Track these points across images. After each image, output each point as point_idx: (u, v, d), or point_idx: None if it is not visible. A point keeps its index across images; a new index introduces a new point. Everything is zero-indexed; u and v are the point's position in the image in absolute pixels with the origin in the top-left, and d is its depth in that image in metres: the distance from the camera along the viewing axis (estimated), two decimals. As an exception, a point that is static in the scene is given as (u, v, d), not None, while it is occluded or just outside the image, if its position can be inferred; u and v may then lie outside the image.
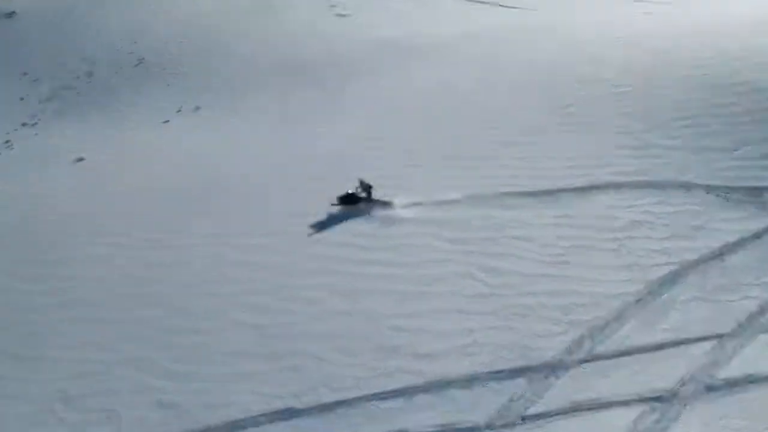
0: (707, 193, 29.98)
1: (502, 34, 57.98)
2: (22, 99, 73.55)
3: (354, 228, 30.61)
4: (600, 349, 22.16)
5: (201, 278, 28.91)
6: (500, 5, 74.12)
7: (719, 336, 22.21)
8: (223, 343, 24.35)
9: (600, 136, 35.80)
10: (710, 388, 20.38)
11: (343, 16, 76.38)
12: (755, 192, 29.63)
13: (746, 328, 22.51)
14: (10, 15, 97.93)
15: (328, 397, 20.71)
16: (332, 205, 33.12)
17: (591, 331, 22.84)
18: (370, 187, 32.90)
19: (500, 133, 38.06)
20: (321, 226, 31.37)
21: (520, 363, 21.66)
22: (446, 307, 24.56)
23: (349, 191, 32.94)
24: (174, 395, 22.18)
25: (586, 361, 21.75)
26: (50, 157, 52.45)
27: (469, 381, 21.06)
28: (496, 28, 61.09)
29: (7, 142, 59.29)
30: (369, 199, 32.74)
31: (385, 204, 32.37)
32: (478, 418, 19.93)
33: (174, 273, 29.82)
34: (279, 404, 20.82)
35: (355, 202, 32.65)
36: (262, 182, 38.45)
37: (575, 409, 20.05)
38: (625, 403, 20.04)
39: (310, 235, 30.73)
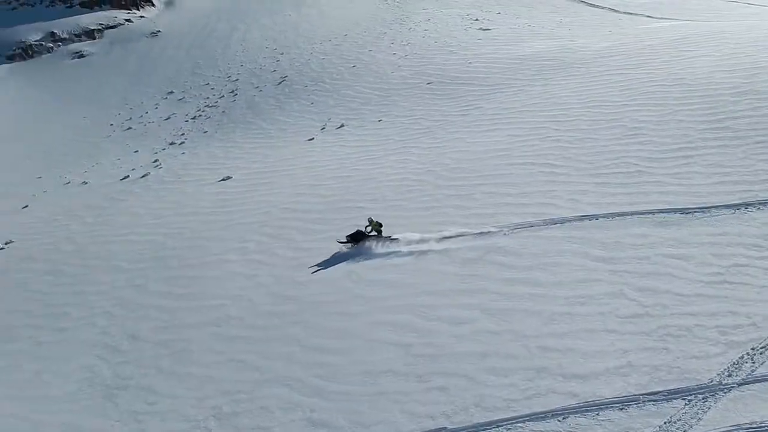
0: None
1: (650, 45, 56.91)
2: (167, 119, 76.03)
3: (496, 246, 30.35)
4: (761, 371, 21.32)
5: (340, 297, 29.19)
6: (649, 16, 72.88)
7: None
8: (369, 362, 24.43)
9: (756, 151, 34.63)
10: None
11: (486, 30, 76.39)
12: None
13: None
14: (155, 34, 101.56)
15: (480, 418, 20.42)
16: (339, 242, 34.24)
17: (751, 352, 22.00)
18: (380, 225, 33.85)
19: (650, 148, 37.26)
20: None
21: (677, 385, 20.96)
22: (597, 327, 23.98)
23: (359, 229, 34.06)
24: (324, 413, 22.31)
25: (746, 383, 20.94)
26: (196, 176, 53.91)
27: (625, 403, 20.49)
28: (644, 38, 60.06)
29: (155, 161, 61.27)
30: (378, 237, 33.58)
31: (393, 241, 32.99)
32: (636, 441, 19.43)
33: (313, 292, 30.23)
34: (430, 424, 20.68)
35: (361, 240, 33.60)
36: (394, 197, 38.78)
37: (736, 433, 19.35)
38: (790, 429, 19.22)
39: (445, 251, 30.77)
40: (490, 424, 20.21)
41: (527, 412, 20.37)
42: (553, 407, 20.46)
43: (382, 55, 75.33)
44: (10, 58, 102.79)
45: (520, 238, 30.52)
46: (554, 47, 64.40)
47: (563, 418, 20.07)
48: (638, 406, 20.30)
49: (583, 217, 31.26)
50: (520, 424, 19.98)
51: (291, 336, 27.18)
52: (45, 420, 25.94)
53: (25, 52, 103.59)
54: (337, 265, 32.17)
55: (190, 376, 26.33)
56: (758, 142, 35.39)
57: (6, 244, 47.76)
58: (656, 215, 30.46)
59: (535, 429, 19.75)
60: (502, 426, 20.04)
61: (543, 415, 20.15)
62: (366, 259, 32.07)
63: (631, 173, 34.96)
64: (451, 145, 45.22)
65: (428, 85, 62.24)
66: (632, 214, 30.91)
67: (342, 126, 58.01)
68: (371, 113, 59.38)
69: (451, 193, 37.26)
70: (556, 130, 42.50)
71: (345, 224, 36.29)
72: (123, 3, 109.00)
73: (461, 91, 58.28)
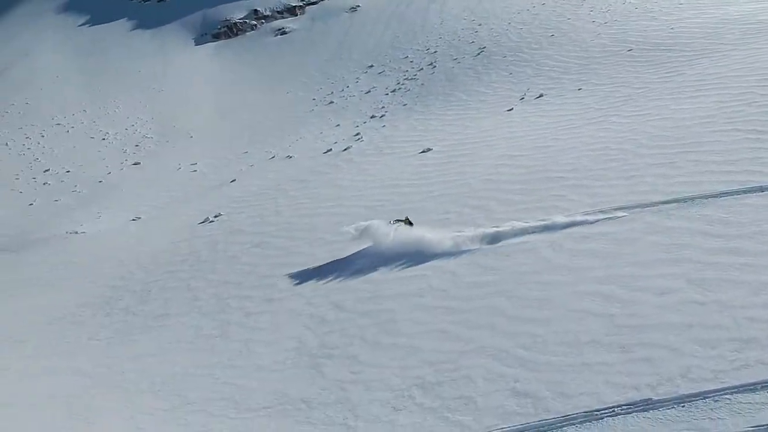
0: None
1: None
2: (368, 92, 77.72)
3: (701, 214, 29.78)
4: None
5: (542, 266, 29.36)
6: None
7: None
8: (572, 332, 24.56)
9: None
10: None
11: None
12: None
13: None
14: (355, 9, 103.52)
15: (686, 389, 20.20)
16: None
17: None
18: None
19: None
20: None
21: None
22: (811, 298, 23.33)
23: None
24: (528, 384, 22.58)
25: None
26: (397, 148, 55.06)
27: (841, 376, 19.89)
28: None
29: (356, 135, 62.88)
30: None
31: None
32: None
33: (515, 262, 30.51)
34: (635, 395, 20.61)
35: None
36: (594, 166, 38.54)
37: None
38: None
39: (649, 221, 30.45)
40: (696, 395, 19.96)
41: (736, 383, 20.00)
42: (762, 378, 20.07)
43: (581, 23, 74.44)
44: (216, 37, 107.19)
45: (725, 207, 29.82)
46: (760, 9, 61.93)
47: (774, 391, 19.70)
48: None
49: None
50: (727, 396, 19.67)
51: (494, 306, 27.54)
52: (254, 387, 27.27)
53: (230, 30, 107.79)
54: (538, 235, 32.34)
55: (394, 347, 27.09)
56: None
57: (216, 217, 50.28)
58: None
59: (743, 401, 19.41)
60: (709, 397, 19.78)
61: (752, 387, 19.79)
62: (566, 227, 32.10)
63: None
64: (653, 112, 44.43)
65: (629, 52, 61.20)
66: None
67: (541, 96, 57.87)
68: (570, 82, 58.96)
69: (653, 161, 36.68)
70: (763, 95, 41.06)
71: (546, 194, 36.42)
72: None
73: (663, 57, 57.03)
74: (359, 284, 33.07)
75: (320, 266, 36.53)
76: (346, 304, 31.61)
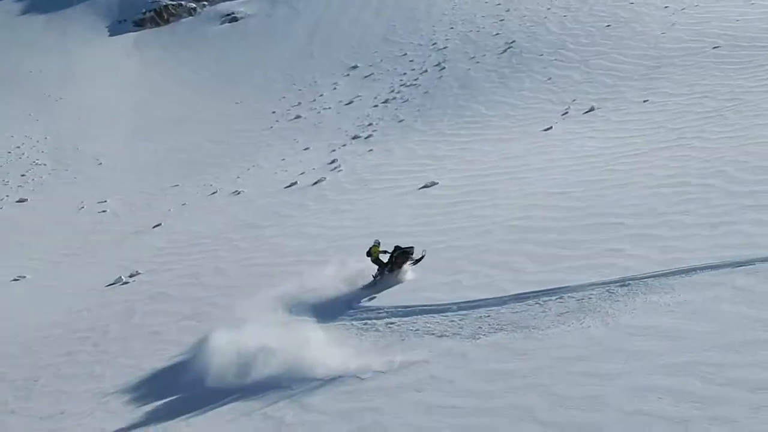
0: None
1: None
2: (349, 103, 77.92)
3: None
4: None
5: (591, 350, 29.15)
6: None
7: None
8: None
9: None
10: None
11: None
12: None
13: None
14: None
15: None
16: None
17: None
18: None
19: None
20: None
21: None
22: None
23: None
24: None
25: None
26: (390, 181, 55.13)
27: None
28: None
29: (332, 162, 62.97)
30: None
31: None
32: None
33: (553, 344, 30.34)
34: None
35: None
36: (667, 209, 38.59)
37: None
38: None
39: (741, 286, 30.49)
40: None
41: None
42: None
43: (648, 9, 75.05)
44: (139, 24, 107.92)
45: None
46: None
47: None
48: None
49: None
50: None
51: (522, 406, 27.24)
52: None
53: (159, 16, 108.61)
54: (587, 302, 32.27)
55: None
56: None
57: (132, 276, 50.16)
58: None
59: None
60: None
61: None
62: (629, 295, 32.03)
63: None
64: (749, 134, 44.60)
65: (714, 50, 61.62)
66: None
67: (592, 110, 58.19)
68: (633, 91, 59.30)
69: (749, 203, 36.71)
70: None
71: (598, 248, 36.39)
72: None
73: (763, 57, 57.38)
74: (333, 373, 32.89)
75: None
76: (314, 401, 31.35)
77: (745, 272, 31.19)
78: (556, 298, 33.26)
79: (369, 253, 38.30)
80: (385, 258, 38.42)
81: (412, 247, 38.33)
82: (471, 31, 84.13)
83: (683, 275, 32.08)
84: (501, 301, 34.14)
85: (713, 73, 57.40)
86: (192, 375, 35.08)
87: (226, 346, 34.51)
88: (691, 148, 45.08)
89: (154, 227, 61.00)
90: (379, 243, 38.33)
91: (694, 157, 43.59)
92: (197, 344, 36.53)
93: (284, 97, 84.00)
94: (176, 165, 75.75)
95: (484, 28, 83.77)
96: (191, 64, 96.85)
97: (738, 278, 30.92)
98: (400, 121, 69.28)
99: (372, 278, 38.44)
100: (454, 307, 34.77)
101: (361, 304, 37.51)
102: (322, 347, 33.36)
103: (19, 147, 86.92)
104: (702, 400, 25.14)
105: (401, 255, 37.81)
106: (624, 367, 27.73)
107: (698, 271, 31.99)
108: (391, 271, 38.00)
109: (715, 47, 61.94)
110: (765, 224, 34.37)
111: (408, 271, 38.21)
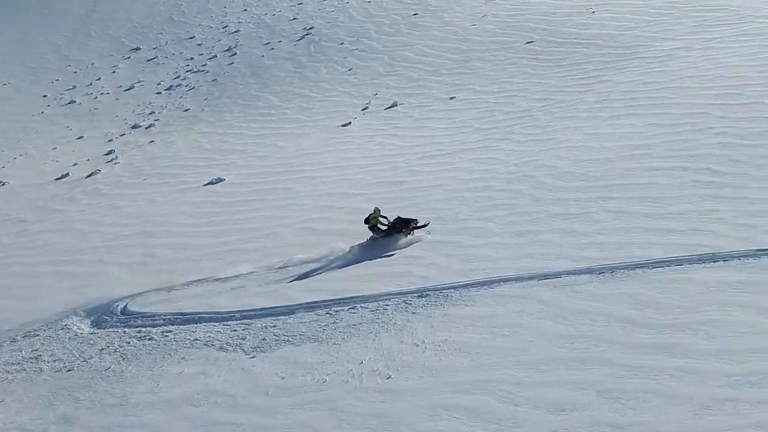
0: None
1: None
2: (129, 89, 77.00)
3: (627, 294, 30.37)
4: None
5: (385, 364, 29.40)
6: None
7: None
8: None
9: None
10: None
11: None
12: None
13: None
14: None
15: None
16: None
17: None
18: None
19: None
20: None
21: None
22: (779, 423, 24.05)
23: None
24: None
25: None
26: (171, 176, 54.57)
27: None
28: None
29: (109, 153, 62.19)
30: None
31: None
32: None
33: (345, 355, 30.50)
34: None
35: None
36: (471, 215, 39.20)
37: None
38: None
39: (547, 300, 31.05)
40: None
41: None
42: None
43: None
44: None
45: (661, 283, 30.54)
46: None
47: None
48: None
49: (759, 252, 31.25)
50: None
51: (308, 425, 27.38)
52: None
53: None
54: (381, 314, 32.52)
55: None
56: None
57: None
58: None
59: None
60: None
61: None
62: (427, 307, 32.32)
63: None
64: (560, 137, 45.43)
65: (528, 45, 62.63)
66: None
67: (394, 105, 58.53)
68: (439, 86, 59.93)
69: (558, 210, 37.41)
70: (722, 117, 42.46)
71: (396, 255, 36.74)
72: None
73: (579, 55, 58.56)
74: (99, 378, 32.55)
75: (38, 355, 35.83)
76: (79, 414, 30.97)
77: (552, 285, 31.73)
78: (349, 309, 33.49)
79: (367, 220, 38.35)
80: (384, 230, 38.47)
81: (415, 219, 38.34)
82: (266, 14, 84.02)
83: (486, 287, 32.51)
84: (289, 310, 34.23)
85: (525, 71, 58.34)
86: None
87: None
88: (499, 151, 45.71)
89: None
90: (378, 210, 38.15)
91: (501, 160, 44.21)
92: None
93: (58, 80, 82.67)
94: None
95: (280, 11, 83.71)
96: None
97: (543, 291, 31.43)
98: (186, 110, 68.84)
99: (368, 239, 38.43)
100: (237, 315, 34.73)
101: (136, 310, 37.13)
102: None
103: None
104: (500, 420, 25.49)
105: (401, 222, 37.67)
106: (418, 383, 27.98)
107: (502, 282, 32.45)
108: (388, 235, 37.89)
109: (528, 42, 62.95)
110: (573, 234, 35.03)
111: (403, 237, 38.13)
